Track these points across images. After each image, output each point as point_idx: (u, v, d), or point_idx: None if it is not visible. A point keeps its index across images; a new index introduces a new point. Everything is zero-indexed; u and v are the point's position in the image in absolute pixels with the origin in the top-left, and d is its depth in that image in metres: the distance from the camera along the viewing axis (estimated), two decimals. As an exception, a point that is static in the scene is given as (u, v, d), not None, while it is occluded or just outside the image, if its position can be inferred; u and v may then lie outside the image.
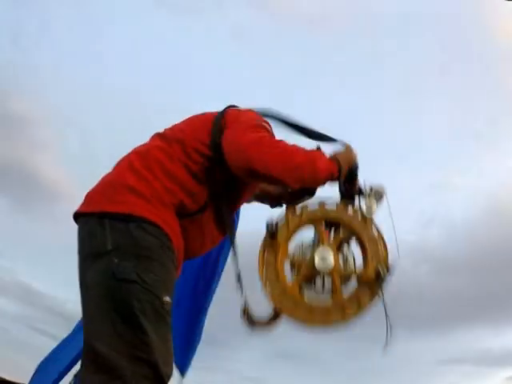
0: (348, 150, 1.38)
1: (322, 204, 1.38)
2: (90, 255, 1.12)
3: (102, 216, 1.13)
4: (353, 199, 1.37)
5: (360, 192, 1.38)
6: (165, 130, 1.38)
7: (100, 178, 1.29)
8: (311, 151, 1.30)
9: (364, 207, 1.34)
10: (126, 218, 1.11)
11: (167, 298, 1.08)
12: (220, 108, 1.46)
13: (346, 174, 1.32)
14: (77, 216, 1.23)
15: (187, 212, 1.24)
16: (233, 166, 1.23)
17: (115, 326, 1.01)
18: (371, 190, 1.35)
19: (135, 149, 1.33)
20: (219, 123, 1.32)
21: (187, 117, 1.43)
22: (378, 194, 1.35)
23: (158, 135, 1.36)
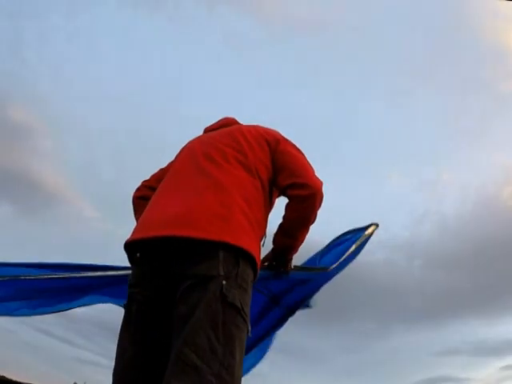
0: None
1: None
2: (194, 278, 1.15)
3: (217, 245, 1.17)
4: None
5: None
6: (234, 152, 1.39)
7: (187, 200, 1.25)
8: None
9: None
10: (238, 251, 1.19)
11: (250, 328, 1.18)
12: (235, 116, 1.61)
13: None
14: (175, 239, 1.19)
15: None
16: (294, 189, 1.38)
17: (210, 343, 1.06)
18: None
19: (225, 177, 1.31)
20: (271, 145, 1.45)
21: (231, 131, 1.50)
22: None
23: (237, 161, 1.37)
